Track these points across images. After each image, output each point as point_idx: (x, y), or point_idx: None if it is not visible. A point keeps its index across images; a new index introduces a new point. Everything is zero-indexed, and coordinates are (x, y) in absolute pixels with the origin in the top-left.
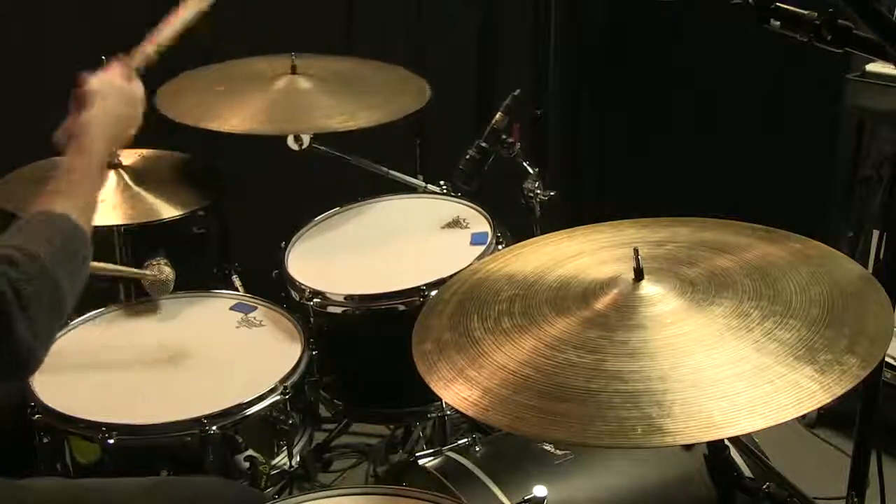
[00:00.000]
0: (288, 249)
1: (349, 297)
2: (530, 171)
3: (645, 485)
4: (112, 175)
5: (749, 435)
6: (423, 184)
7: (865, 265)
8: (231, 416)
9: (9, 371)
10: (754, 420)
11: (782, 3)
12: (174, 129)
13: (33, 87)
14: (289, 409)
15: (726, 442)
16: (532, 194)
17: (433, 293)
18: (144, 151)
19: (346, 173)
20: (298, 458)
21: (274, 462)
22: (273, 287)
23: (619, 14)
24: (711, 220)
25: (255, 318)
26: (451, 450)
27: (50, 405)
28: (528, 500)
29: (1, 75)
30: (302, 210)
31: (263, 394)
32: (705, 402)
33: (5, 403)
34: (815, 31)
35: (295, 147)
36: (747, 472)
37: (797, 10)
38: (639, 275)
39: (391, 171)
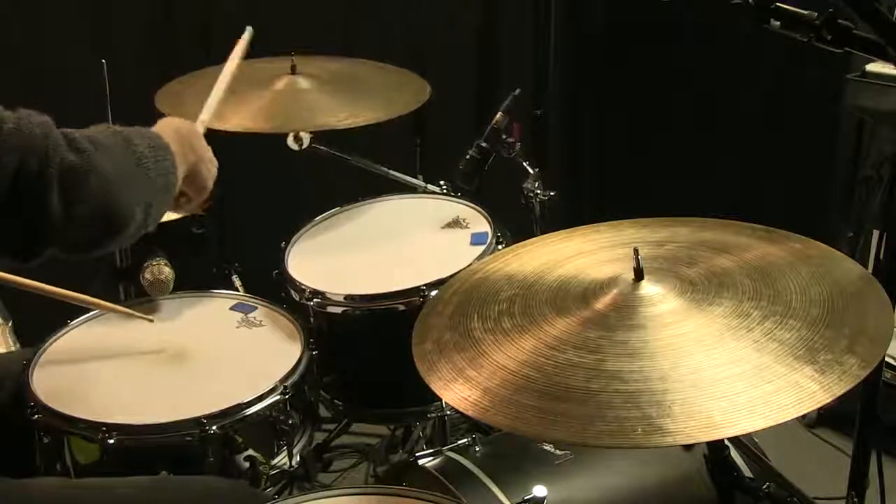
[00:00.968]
0: (288, 249)
1: (349, 297)
2: (530, 171)
3: (645, 485)
4: None
5: (749, 435)
6: (423, 184)
7: (865, 265)
8: (231, 416)
9: (19, 247)
10: (754, 420)
11: (782, 3)
12: None
13: (33, 87)
14: (289, 409)
15: (726, 442)
16: (532, 194)
17: (433, 293)
18: None
19: (346, 173)
20: (298, 458)
21: (274, 462)
22: (273, 287)
23: (619, 14)
24: (711, 220)
25: (255, 318)
26: (451, 450)
27: (50, 405)
28: (528, 500)
29: (1, 75)
30: (302, 210)
31: (263, 394)
32: (705, 402)
33: (5, 403)
34: (815, 31)
35: (295, 147)
36: (747, 472)
37: (797, 10)
38: (639, 275)
39: (391, 171)
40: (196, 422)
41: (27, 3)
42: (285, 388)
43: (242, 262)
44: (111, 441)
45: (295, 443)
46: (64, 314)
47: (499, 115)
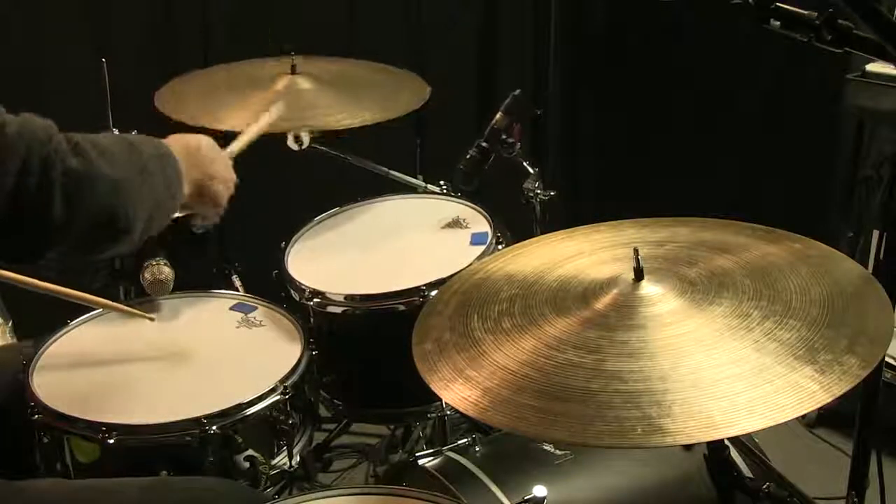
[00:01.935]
0: (288, 249)
1: (349, 297)
2: (530, 171)
3: (645, 485)
4: None
5: (749, 435)
6: (423, 184)
7: (865, 265)
8: (231, 416)
9: (21, 250)
10: (754, 420)
11: (782, 3)
12: (174, 129)
13: (33, 87)
14: (289, 409)
15: (726, 442)
16: (532, 194)
17: (433, 293)
18: None
19: (346, 173)
20: (298, 458)
21: (274, 462)
22: (273, 287)
23: (619, 14)
24: (711, 220)
25: (255, 318)
26: (451, 450)
27: (50, 405)
28: (528, 500)
29: (1, 75)
30: (302, 210)
31: (263, 394)
32: (705, 402)
33: (5, 403)
34: (815, 31)
35: (295, 147)
36: (747, 472)
37: (797, 10)
38: (639, 275)
39: (391, 171)
40: (196, 422)
41: (27, 3)
42: (285, 388)
43: (242, 262)
44: (111, 441)
45: (295, 443)
46: (64, 313)
47: (499, 115)
